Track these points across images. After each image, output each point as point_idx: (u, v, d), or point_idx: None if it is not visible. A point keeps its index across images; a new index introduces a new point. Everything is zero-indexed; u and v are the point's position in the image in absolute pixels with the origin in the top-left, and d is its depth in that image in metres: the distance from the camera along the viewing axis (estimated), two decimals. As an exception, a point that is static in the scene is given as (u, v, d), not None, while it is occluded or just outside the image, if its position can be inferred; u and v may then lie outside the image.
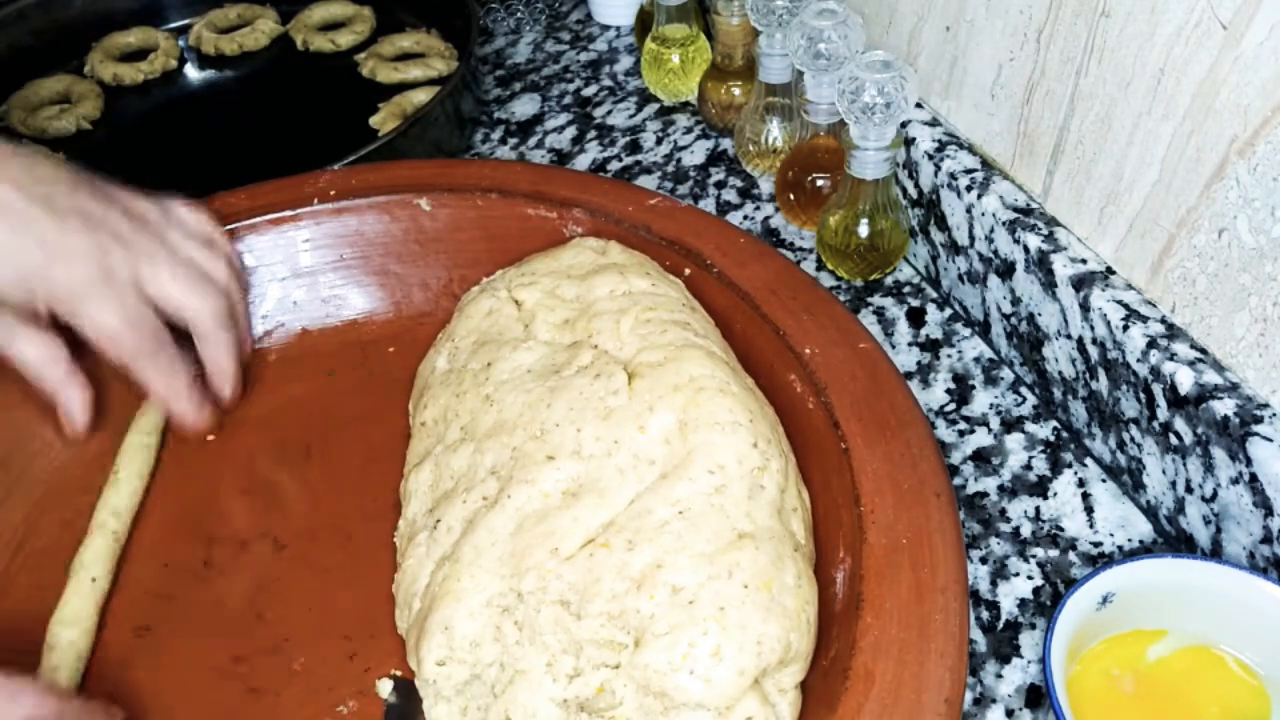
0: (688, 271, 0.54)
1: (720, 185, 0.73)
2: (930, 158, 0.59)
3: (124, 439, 0.53)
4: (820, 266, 0.65)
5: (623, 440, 0.42)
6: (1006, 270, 0.55)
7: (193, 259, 0.52)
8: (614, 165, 0.76)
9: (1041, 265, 0.52)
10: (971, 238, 0.57)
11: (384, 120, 0.79)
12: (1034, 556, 0.49)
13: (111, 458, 0.53)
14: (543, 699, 0.38)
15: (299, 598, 0.48)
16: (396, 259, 0.61)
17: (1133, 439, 0.49)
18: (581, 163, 0.77)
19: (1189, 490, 0.46)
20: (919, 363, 0.59)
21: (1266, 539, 0.43)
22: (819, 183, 0.65)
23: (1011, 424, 0.55)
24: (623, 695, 0.38)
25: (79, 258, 0.48)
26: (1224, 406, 0.43)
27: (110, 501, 0.50)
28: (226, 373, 0.54)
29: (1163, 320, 0.47)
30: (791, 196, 0.67)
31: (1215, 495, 0.45)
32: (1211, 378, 0.44)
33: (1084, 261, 0.51)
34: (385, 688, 0.44)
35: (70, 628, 0.45)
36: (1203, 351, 0.46)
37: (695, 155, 0.76)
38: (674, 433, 0.42)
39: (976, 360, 0.59)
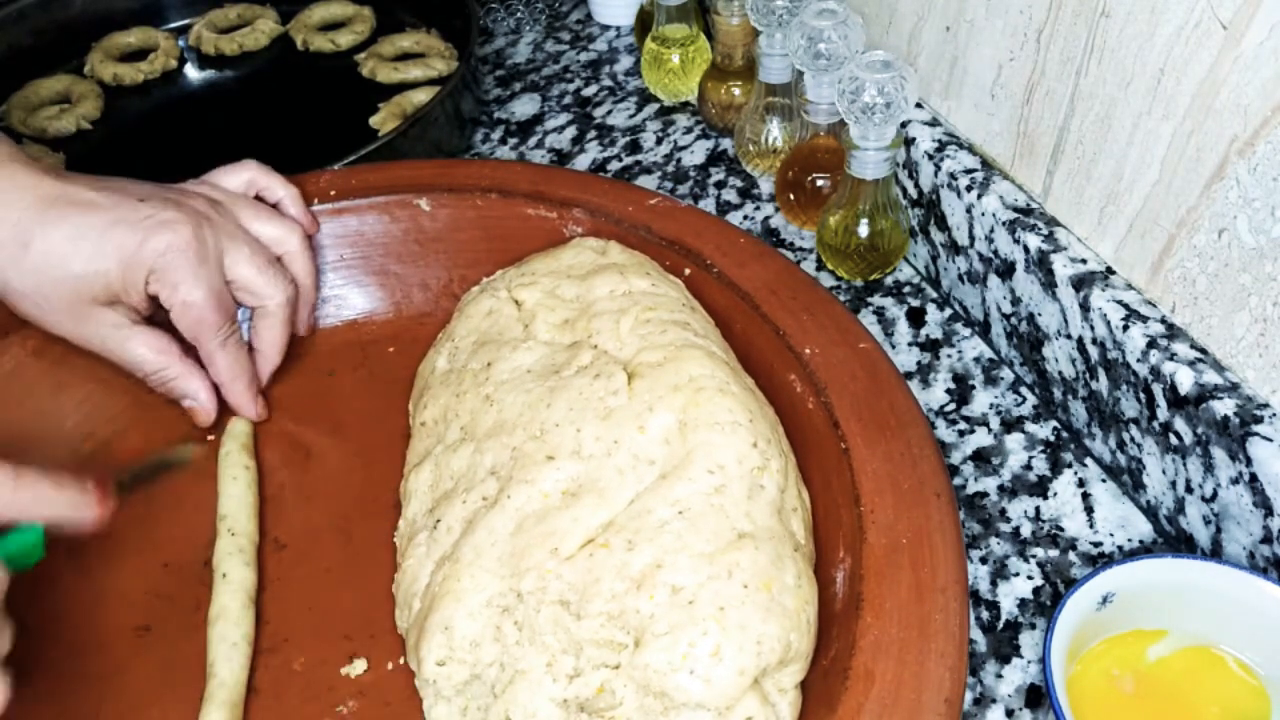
0: (688, 271, 0.54)
1: (720, 185, 0.73)
2: (930, 158, 0.59)
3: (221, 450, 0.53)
4: (820, 266, 0.65)
5: (622, 440, 0.42)
6: (1006, 270, 0.55)
7: (266, 243, 0.54)
8: (614, 165, 0.76)
9: (1041, 265, 0.52)
10: (971, 238, 0.57)
11: (384, 120, 0.79)
12: (1034, 556, 0.49)
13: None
14: (543, 699, 0.38)
15: (299, 598, 0.48)
16: (396, 259, 0.61)
17: (1133, 439, 0.49)
18: (581, 163, 0.77)
19: (1189, 490, 0.46)
20: (919, 363, 0.59)
21: (1266, 539, 0.42)
22: (819, 183, 0.65)
23: (1011, 424, 0.55)
24: (623, 695, 0.38)
25: (176, 225, 0.49)
26: (1224, 406, 0.43)
27: (220, 507, 0.50)
28: (271, 357, 0.55)
29: (1163, 320, 0.47)
30: (791, 196, 0.67)
31: (1215, 495, 0.45)
32: (1211, 378, 0.44)
33: (1084, 261, 0.51)
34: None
35: (218, 622, 0.45)
36: (1203, 351, 0.46)
37: (695, 155, 0.76)
38: (674, 433, 0.42)
39: (976, 360, 0.59)
